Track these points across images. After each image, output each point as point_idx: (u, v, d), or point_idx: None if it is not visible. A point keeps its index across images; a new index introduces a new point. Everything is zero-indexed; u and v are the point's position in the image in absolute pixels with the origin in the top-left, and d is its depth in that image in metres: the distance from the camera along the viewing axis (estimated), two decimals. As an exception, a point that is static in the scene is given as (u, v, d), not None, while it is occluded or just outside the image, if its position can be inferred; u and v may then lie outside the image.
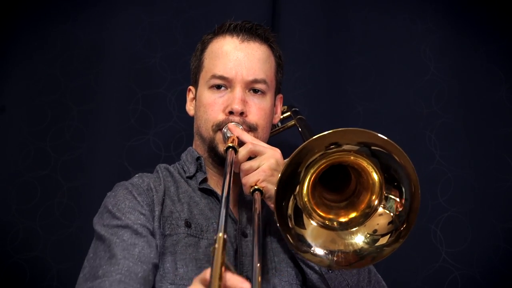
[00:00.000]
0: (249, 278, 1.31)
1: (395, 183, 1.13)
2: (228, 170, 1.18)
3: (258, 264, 0.97)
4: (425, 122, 2.06)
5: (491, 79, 2.06)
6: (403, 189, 1.12)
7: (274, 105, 1.56)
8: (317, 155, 1.11)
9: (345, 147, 1.11)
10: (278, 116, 1.64)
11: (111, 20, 2.18)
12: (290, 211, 1.15)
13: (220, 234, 0.92)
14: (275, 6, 2.20)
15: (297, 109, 1.83)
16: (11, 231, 1.96)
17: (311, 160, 1.12)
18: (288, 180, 1.12)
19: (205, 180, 1.49)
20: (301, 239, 1.15)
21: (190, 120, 2.08)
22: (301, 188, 1.16)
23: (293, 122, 1.77)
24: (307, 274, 1.37)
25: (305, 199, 1.18)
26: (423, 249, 1.94)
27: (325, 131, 1.07)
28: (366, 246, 1.16)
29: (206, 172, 1.50)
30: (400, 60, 2.14)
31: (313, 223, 1.18)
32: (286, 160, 1.11)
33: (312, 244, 1.16)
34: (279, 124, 1.82)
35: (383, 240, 1.15)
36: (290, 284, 1.38)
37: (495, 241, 1.92)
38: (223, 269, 0.87)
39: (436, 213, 1.97)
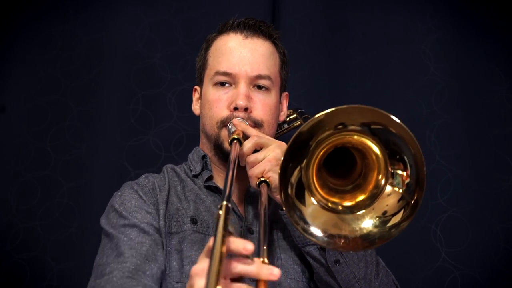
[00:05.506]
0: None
1: (397, 156, 1.12)
2: (231, 166, 1.15)
3: (265, 247, 0.98)
4: (425, 122, 2.06)
5: (491, 79, 2.06)
6: (406, 158, 1.10)
7: (279, 102, 1.56)
8: (327, 133, 1.10)
9: (350, 127, 1.10)
10: (285, 114, 1.63)
11: (111, 20, 2.18)
12: (293, 180, 1.12)
13: (224, 202, 0.92)
14: (275, 6, 2.20)
15: (303, 110, 1.83)
16: (11, 231, 1.97)
17: (321, 136, 1.10)
18: (299, 147, 1.09)
19: (210, 178, 1.49)
20: (299, 215, 1.12)
21: (190, 120, 2.09)
22: (308, 164, 1.13)
23: (299, 122, 1.77)
24: (314, 268, 1.36)
25: (310, 179, 1.15)
26: (423, 249, 1.94)
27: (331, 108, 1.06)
28: (375, 230, 1.13)
29: (211, 170, 1.50)
30: (400, 60, 2.14)
31: (314, 201, 1.15)
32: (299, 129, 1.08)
33: (310, 222, 1.12)
34: (285, 126, 1.82)
35: (395, 219, 1.12)
36: (296, 282, 1.38)
37: (495, 241, 1.92)
38: (225, 235, 0.88)
39: (436, 213, 1.97)
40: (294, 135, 1.07)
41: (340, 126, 1.09)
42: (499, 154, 2.00)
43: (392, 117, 1.06)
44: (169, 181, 1.47)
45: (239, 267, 0.91)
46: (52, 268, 1.94)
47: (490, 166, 1.99)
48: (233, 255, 0.92)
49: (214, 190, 1.47)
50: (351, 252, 1.30)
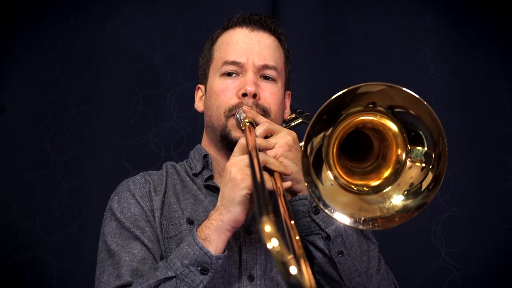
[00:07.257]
0: (252, 276, 1.31)
1: (412, 133, 1.14)
2: (254, 153, 1.15)
3: (292, 222, 0.99)
4: (425, 122, 2.06)
5: (491, 79, 2.06)
6: (421, 133, 1.13)
7: (284, 97, 1.56)
8: (357, 108, 1.10)
9: (378, 108, 1.11)
10: (288, 112, 1.63)
11: (111, 20, 2.19)
12: (315, 144, 1.10)
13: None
14: (275, 6, 2.21)
15: (301, 110, 1.83)
16: (11, 231, 1.97)
17: (352, 110, 1.10)
18: (335, 107, 1.07)
19: (211, 177, 1.48)
20: (317, 195, 1.11)
21: (190, 120, 2.09)
22: (331, 135, 1.12)
23: (300, 120, 1.77)
24: (315, 258, 1.34)
25: (330, 152, 1.14)
26: (423, 249, 1.94)
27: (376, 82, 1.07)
28: (408, 202, 1.13)
29: (212, 169, 1.49)
30: (400, 60, 2.15)
31: (331, 176, 1.14)
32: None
33: (328, 203, 1.11)
34: (283, 125, 1.81)
35: (425, 184, 1.13)
36: None
37: (495, 241, 1.92)
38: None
39: (436, 213, 1.97)
40: (344, 90, 1.04)
41: (370, 105, 1.11)
42: (499, 154, 2.00)
43: (421, 100, 1.13)
44: (167, 180, 1.47)
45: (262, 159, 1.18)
46: (52, 268, 1.94)
47: (490, 166, 1.99)
48: None
49: (214, 190, 1.47)
50: (354, 245, 1.30)
